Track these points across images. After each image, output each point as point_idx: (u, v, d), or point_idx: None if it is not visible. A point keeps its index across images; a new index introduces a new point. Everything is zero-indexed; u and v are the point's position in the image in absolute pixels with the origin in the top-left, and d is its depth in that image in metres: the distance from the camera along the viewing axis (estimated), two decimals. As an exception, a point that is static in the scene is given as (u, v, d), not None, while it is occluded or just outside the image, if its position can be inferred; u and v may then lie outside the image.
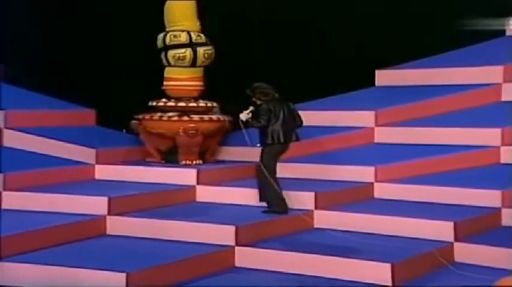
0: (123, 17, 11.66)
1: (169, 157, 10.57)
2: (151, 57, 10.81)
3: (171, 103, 10.63)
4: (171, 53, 10.66)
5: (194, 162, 10.52)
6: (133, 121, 10.61)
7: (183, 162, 10.45)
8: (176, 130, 10.46)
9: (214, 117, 10.61)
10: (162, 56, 10.71)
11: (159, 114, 10.60)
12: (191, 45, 10.67)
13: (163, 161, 10.55)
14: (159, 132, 10.58)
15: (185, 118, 10.49)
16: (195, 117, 10.51)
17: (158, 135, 10.59)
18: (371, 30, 11.68)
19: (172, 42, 10.66)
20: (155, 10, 10.84)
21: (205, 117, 10.57)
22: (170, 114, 10.56)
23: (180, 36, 10.65)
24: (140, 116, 10.63)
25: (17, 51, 10.93)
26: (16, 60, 10.73)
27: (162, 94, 10.76)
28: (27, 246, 7.33)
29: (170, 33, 10.69)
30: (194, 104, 10.63)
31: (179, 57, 10.65)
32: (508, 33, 11.69)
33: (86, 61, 11.41)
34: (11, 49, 10.87)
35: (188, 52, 10.65)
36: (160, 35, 10.72)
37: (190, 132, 10.40)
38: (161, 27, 10.79)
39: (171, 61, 10.66)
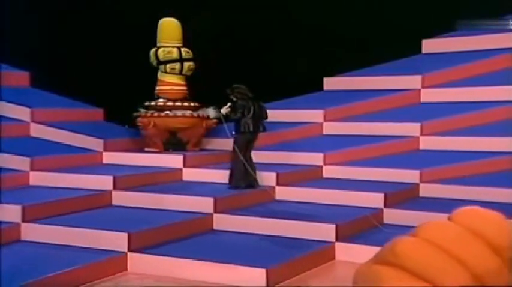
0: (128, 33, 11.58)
1: (174, 147, 10.44)
2: (144, 67, 10.75)
3: (171, 103, 10.50)
4: (186, 64, 10.56)
5: (200, 148, 10.61)
6: (140, 119, 10.40)
7: (197, 149, 10.46)
8: (199, 124, 10.44)
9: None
10: (176, 65, 10.54)
11: (177, 112, 10.42)
12: (194, 59, 10.71)
13: (170, 150, 10.33)
14: (176, 127, 10.42)
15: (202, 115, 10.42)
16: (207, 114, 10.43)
17: (165, 130, 10.42)
18: (318, 44, 11.78)
19: (186, 56, 10.60)
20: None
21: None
22: (188, 112, 10.44)
23: (189, 52, 10.64)
24: (161, 113, 10.41)
25: (42, 61, 10.87)
26: (41, 68, 10.65)
27: (151, 96, 10.66)
28: (50, 213, 7.36)
29: (183, 48, 10.59)
30: (186, 104, 10.55)
31: (191, 68, 10.65)
32: (423, 51, 11.86)
33: (97, 70, 11.36)
34: (37, 60, 10.82)
35: (194, 64, 10.68)
36: (174, 49, 10.54)
37: (214, 126, 10.40)
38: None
39: (185, 70, 10.60)
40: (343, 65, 11.45)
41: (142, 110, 10.48)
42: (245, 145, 8.69)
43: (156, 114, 10.41)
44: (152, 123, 10.35)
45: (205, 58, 10.74)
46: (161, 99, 10.58)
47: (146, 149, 10.46)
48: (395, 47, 11.18)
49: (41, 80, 10.59)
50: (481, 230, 0.44)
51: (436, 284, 0.43)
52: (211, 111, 9.90)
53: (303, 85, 11.23)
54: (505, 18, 11.35)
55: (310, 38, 11.86)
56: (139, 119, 10.41)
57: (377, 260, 0.46)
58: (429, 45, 11.79)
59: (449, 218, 0.46)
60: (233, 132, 8.72)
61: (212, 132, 10.74)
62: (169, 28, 10.70)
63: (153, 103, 10.56)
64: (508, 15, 11.38)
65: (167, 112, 10.44)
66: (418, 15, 11.17)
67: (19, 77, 10.69)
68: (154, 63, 10.66)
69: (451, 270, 0.43)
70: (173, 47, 10.60)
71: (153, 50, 10.62)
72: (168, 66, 10.59)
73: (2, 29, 10.62)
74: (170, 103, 10.52)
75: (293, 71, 11.53)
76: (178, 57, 10.58)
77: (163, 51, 10.57)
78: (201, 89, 10.21)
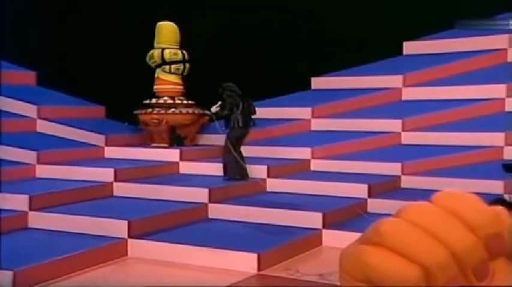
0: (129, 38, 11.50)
1: (177, 142, 10.42)
2: (141, 67, 10.72)
3: (179, 101, 10.51)
4: (187, 65, 10.62)
5: (194, 143, 10.62)
6: (155, 116, 10.31)
7: (192, 144, 10.48)
8: (198, 121, 10.50)
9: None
10: (180, 66, 10.57)
11: (182, 109, 10.42)
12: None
13: (175, 145, 10.25)
14: (182, 123, 10.40)
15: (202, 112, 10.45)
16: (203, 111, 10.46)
17: (170, 126, 10.40)
18: (304, 48, 11.81)
19: (187, 58, 10.63)
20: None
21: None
22: (191, 109, 10.45)
23: (187, 54, 10.68)
24: (170, 111, 10.39)
25: (47, 62, 10.82)
26: (47, 68, 10.61)
27: (148, 94, 10.64)
28: (55, 202, 7.37)
29: (184, 50, 10.62)
30: (191, 101, 10.55)
31: (189, 68, 10.68)
32: (404, 52, 11.90)
33: (98, 69, 11.29)
34: (42, 60, 10.78)
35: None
36: (178, 51, 10.57)
37: (207, 123, 10.42)
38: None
39: (186, 71, 10.63)
40: (330, 65, 11.46)
41: (149, 108, 10.46)
42: (237, 139, 8.68)
43: (170, 111, 10.39)
44: (165, 121, 10.33)
45: (196, 58, 10.74)
46: (166, 98, 10.56)
47: (153, 144, 10.35)
48: (378, 48, 11.20)
49: (46, 79, 10.57)
50: (458, 210, 0.46)
51: (417, 261, 0.44)
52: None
53: (293, 84, 11.24)
54: (501, 19, 11.31)
55: (300, 40, 11.86)
56: (154, 115, 10.34)
57: (362, 240, 0.47)
58: (410, 47, 11.83)
59: (429, 201, 0.47)
60: (223, 128, 8.73)
61: (205, 128, 10.75)
62: (168, 31, 10.69)
63: (161, 101, 10.52)
64: (498, 15, 11.39)
65: (173, 109, 10.44)
66: (400, 18, 11.18)
67: (26, 76, 10.70)
68: (156, 63, 10.60)
69: (431, 248, 0.44)
70: (176, 48, 10.61)
71: (158, 51, 10.56)
72: (173, 66, 10.59)
73: (7, 29, 10.58)
74: (178, 101, 10.54)
75: (283, 71, 11.51)
76: (182, 59, 10.60)
77: (170, 52, 10.57)
78: (193, 87, 10.22)
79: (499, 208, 0.47)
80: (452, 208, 0.46)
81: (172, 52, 10.59)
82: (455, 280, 0.45)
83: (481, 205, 0.47)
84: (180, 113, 10.41)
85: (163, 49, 10.57)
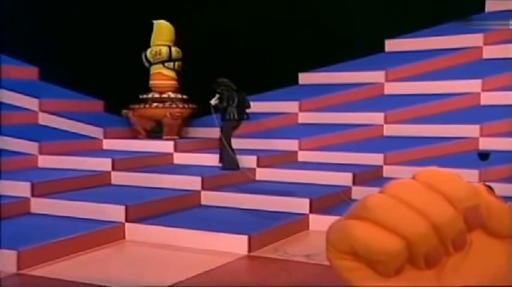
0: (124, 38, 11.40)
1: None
2: (136, 64, 10.67)
3: (185, 96, 10.53)
4: (183, 62, 10.65)
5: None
6: (177, 110, 10.26)
7: (179, 135, 10.48)
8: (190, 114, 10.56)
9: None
10: (180, 63, 10.58)
11: (186, 104, 10.45)
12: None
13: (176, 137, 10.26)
14: (184, 117, 10.44)
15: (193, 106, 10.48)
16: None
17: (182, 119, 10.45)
18: (292, 44, 11.79)
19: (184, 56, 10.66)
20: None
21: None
22: (193, 104, 10.45)
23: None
24: (185, 105, 10.43)
25: (49, 58, 10.72)
26: (50, 64, 10.52)
27: (143, 89, 10.61)
28: (56, 189, 7.36)
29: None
30: (185, 97, 10.58)
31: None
32: (386, 49, 11.91)
33: (99, 67, 11.21)
34: (44, 57, 10.70)
35: None
36: (179, 49, 10.57)
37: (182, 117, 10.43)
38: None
39: (181, 68, 10.63)
40: (316, 62, 11.45)
41: (156, 103, 10.41)
42: (231, 131, 8.67)
43: (186, 106, 10.37)
44: (181, 115, 10.29)
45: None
46: (171, 94, 10.50)
47: (165, 137, 10.18)
48: (362, 46, 11.20)
49: (48, 74, 10.50)
50: (439, 185, 0.46)
51: (400, 233, 0.44)
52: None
53: (281, 79, 11.23)
54: (502, 18, 11.25)
55: (289, 38, 11.84)
56: (177, 109, 10.25)
57: (349, 215, 0.47)
58: (391, 45, 11.85)
59: (412, 178, 0.48)
60: (219, 120, 8.69)
61: (194, 121, 10.73)
62: (168, 30, 10.65)
63: (172, 95, 10.45)
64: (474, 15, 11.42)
65: (189, 104, 10.44)
66: (382, 18, 11.20)
67: (29, 72, 10.63)
68: (161, 59, 10.50)
69: (413, 221, 0.44)
70: (175, 46, 10.58)
71: (165, 48, 10.49)
72: (176, 63, 10.55)
73: (10, 26, 10.50)
74: (185, 96, 10.52)
75: (272, 67, 11.51)
76: (181, 57, 10.61)
77: (176, 50, 10.55)
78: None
79: (477, 184, 0.48)
80: (433, 183, 0.46)
81: (177, 50, 10.59)
82: (436, 250, 0.45)
83: (459, 181, 0.47)
84: (191, 107, 10.43)
85: (170, 47, 10.51)
